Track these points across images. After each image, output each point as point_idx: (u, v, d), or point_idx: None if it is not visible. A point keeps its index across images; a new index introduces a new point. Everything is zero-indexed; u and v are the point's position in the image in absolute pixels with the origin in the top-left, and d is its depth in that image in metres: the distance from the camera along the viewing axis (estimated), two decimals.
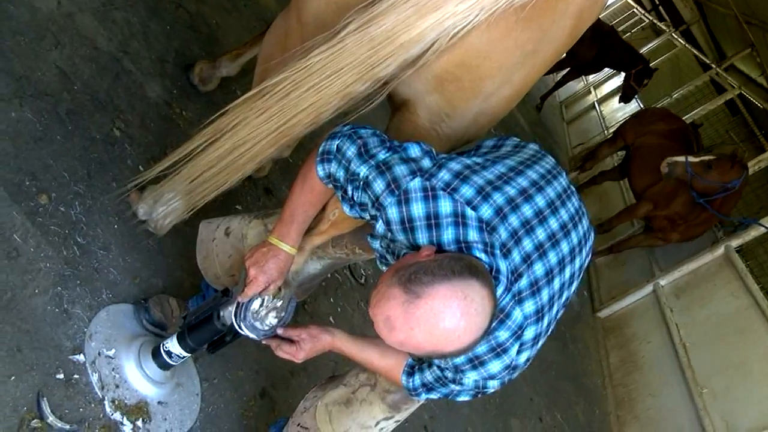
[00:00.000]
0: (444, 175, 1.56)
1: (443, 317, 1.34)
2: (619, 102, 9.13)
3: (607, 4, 14.05)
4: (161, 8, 3.41)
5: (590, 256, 1.82)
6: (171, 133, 2.94)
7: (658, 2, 13.00)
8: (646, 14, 12.08)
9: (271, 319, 1.96)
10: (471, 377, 1.64)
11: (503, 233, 1.53)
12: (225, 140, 2.00)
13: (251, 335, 1.93)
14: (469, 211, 1.52)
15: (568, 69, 9.31)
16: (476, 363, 1.59)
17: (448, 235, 1.51)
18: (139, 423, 2.13)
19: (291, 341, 1.94)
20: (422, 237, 1.53)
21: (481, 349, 1.55)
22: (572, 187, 1.77)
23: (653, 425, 5.12)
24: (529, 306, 1.57)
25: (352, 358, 1.98)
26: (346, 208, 1.71)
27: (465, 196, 1.53)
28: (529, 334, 1.60)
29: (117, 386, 2.13)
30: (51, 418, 1.91)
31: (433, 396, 1.81)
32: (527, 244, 1.57)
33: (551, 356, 5.14)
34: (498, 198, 1.55)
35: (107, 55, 2.88)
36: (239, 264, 1.94)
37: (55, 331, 2.06)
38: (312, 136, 2.02)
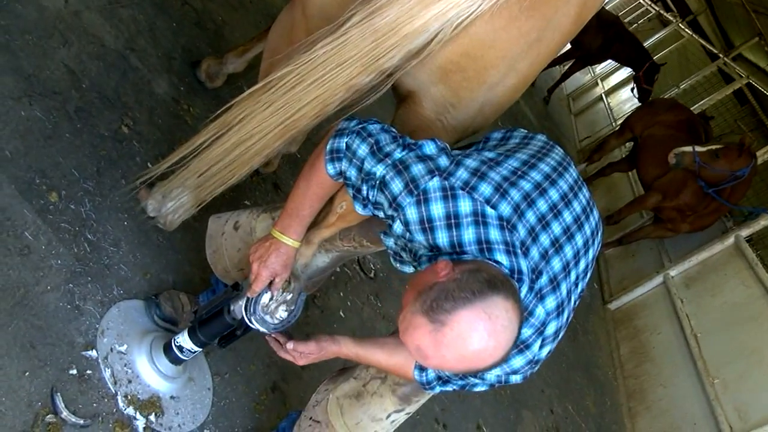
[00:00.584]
0: (462, 174, 1.55)
1: (471, 341, 1.35)
2: (639, 101, 9.07)
3: None
4: (167, 5, 3.42)
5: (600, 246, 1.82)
6: (179, 130, 2.95)
7: None
8: (653, 5, 12.00)
9: (281, 313, 1.97)
10: (494, 373, 1.65)
11: (522, 231, 1.53)
12: (231, 134, 2.00)
13: (262, 329, 1.93)
14: (489, 210, 1.51)
15: (574, 60, 9.27)
16: None
17: (468, 235, 1.50)
18: (152, 417, 2.15)
19: (303, 339, 1.94)
20: (442, 237, 1.52)
21: None
22: (581, 177, 1.77)
23: (665, 416, 5.11)
24: (551, 302, 1.58)
25: (360, 362, 1.99)
26: (358, 208, 1.70)
27: (484, 195, 1.52)
28: (550, 329, 1.60)
29: (129, 381, 2.15)
30: (65, 413, 1.92)
31: (448, 388, 1.81)
32: (544, 240, 1.57)
33: (562, 348, 5.13)
34: (515, 194, 1.55)
35: (114, 52, 2.90)
36: (248, 258, 1.95)
37: (67, 327, 2.08)
38: (319, 131, 2.02)
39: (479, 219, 1.51)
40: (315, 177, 1.78)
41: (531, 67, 1.86)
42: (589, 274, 1.74)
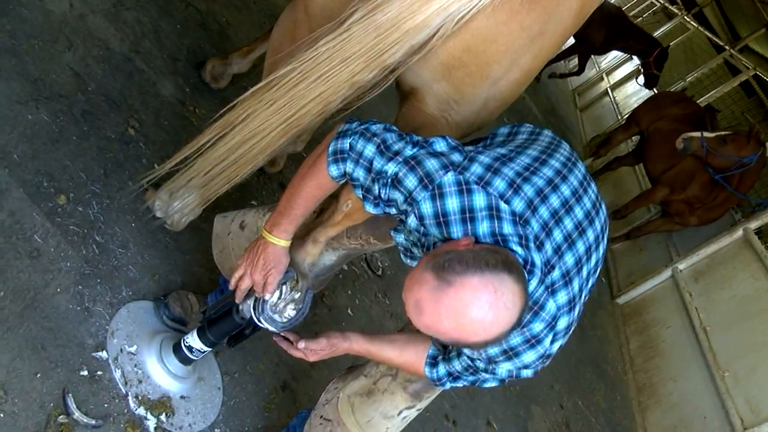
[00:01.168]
0: (476, 169, 1.56)
1: (471, 308, 1.35)
2: (646, 88, 9.02)
3: None
4: (172, 7, 3.43)
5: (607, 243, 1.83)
6: (185, 131, 2.97)
7: None
8: None
9: (290, 311, 1.97)
10: (505, 367, 1.65)
11: (535, 225, 1.53)
12: (235, 133, 2.01)
13: (270, 328, 1.94)
14: (503, 205, 1.52)
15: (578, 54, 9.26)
16: (510, 354, 1.59)
17: (483, 228, 1.51)
18: (163, 417, 2.16)
19: (313, 337, 1.94)
20: (457, 231, 1.52)
21: (516, 340, 1.56)
22: (588, 173, 1.77)
23: (675, 410, 5.10)
24: (562, 297, 1.58)
25: (371, 358, 1.99)
26: (369, 207, 1.70)
27: (498, 190, 1.53)
28: (562, 323, 1.60)
29: (140, 382, 2.16)
30: (77, 414, 1.94)
31: (459, 384, 1.82)
32: (557, 235, 1.58)
33: (571, 343, 5.10)
34: (528, 190, 1.55)
35: (120, 55, 2.91)
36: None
37: (77, 329, 2.09)
38: (325, 129, 2.03)
39: (494, 213, 1.51)
40: (314, 178, 1.77)
41: (534, 61, 1.86)
42: (599, 271, 1.74)
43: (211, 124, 2.07)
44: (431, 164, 1.56)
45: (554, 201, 1.59)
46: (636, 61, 10.39)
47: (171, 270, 2.53)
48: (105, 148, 2.56)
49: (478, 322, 1.36)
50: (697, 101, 7.79)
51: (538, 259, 1.51)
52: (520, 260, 1.48)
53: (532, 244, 1.51)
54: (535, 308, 1.54)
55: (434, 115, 1.92)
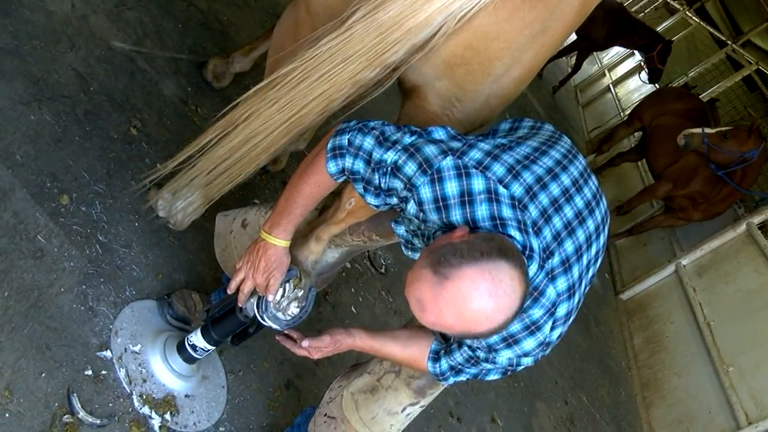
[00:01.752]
0: (475, 154, 1.56)
1: (472, 299, 1.35)
2: (650, 83, 8.99)
3: None
4: (173, 7, 3.44)
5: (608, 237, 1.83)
6: (187, 130, 2.97)
7: None
8: None
9: (293, 309, 1.98)
10: (505, 355, 1.65)
11: (533, 211, 1.54)
12: (238, 132, 2.01)
13: (274, 326, 1.94)
14: (501, 189, 1.52)
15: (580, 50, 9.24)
16: (510, 341, 1.59)
17: (482, 211, 1.51)
18: (168, 416, 2.17)
19: (317, 335, 1.94)
20: (456, 214, 1.53)
21: (515, 327, 1.56)
22: (588, 166, 1.78)
23: (680, 405, 5.10)
24: (562, 283, 1.58)
25: (375, 354, 2.00)
26: (370, 199, 1.70)
27: (497, 174, 1.53)
28: (561, 310, 1.60)
29: (144, 381, 2.16)
30: (82, 413, 1.94)
31: (462, 378, 1.82)
32: (557, 222, 1.58)
33: (575, 339, 5.14)
34: (527, 177, 1.56)
35: (122, 55, 2.92)
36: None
37: (81, 329, 2.10)
38: (327, 127, 2.03)
39: (492, 196, 1.52)
40: (313, 176, 1.77)
41: (536, 58, 1.86)
42: (599, 261, 1.75)
43: (214, 123, 2.07)
44: (430, 150, 1.57)
45: (554, 189, 1.60)
46: (638, 56, 10.37)
47: (174, 269, 2.53)
48: (108, 148, 2.56)
49: (480, 311, 1.36)
50: (700, 96, 7.77)
51: (536, 244, 1.52)
52: (518, 245, 1.49)
53: (530, 229, 1.52)
54: (535, 294, 1.54)
55: (437, 112, 1.92)
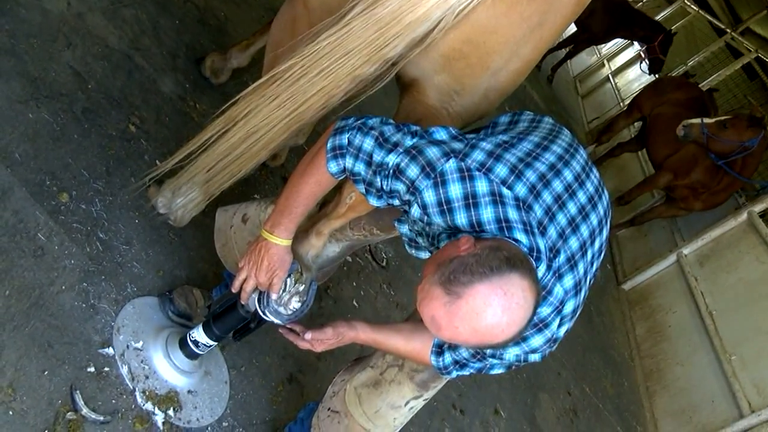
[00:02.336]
0: (478, 156, 1.56)
1: (485, 315, 1.35)
2: (650, 73, 8.96)
3: None
4: (170, 3, 3.43)
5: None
6: (186, 127, 2.97)
7: None
8: None
9: (294, 304, 1.98)
10: (512, 352, 1.65)
11: (538, 210, 1.53)
12: (238, 129, 2.01)
13: (275, 320, 1.94)
14: (505, 190, 1.52)
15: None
16: (518, 339, 1.58)
17: (487, 214, 1.51)
18: (171, 412, 2.17)
19: (319, 328, 1.94)
20: (461, 217, 1.53)
21: None
22: (590, 159, 1.78)
23: (683, 394, 5.11)
24: (568, 280, 1.58)
25: (377, 347, 2.00)
26: (373, 201, 1.70)
27: (500, 176, 1.53)
28: (568, 307, 1.61)
29: (147, 377, 2.17)
30: (85, 410, 1.95)
31: (465, 372, 1.82)
32: (561, 219, 1.58)
33: (577, 330, 5.13)
34: (530, 175, 1.55)
35: (119, 52, 2.91)
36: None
37: (83, 326, 2.10)
38: (326, 122, 2.03)
39: (497, 198, 1.51)
40: (313, 175, 1.76)
41: (534, 51, 1.86)
42: (603, 254, 1.75)
43: (214, 120, 2.07)
44: (432, 152, 1.56)
45: (557, 186, 1.59)
46: (637, 46, 10.35)
47: (175, 265, 2.54)
48: (106, 145, 2.56)
49: (494, 326, 1.37)
50: (699, 85, 7.76)
51: (542, 244, 1.52)
52: (525, 248, 1.48)
53: (536, 230, 1.51)
54: (543, 293, 1.54)
55: (435, 106, 1.91)
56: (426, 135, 1.62)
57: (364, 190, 1.70)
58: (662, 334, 5.74)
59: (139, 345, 2.21)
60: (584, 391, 4.78)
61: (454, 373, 1.84)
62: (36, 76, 2.47)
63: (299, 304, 1.99)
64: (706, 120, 5.39)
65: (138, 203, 2.49)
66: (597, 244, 1.69)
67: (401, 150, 1.59)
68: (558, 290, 1.57)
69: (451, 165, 1.54)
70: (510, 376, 4.00)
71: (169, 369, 2.21)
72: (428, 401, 2.15)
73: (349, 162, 1.67)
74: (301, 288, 2.00)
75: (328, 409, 2.18)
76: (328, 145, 1.69)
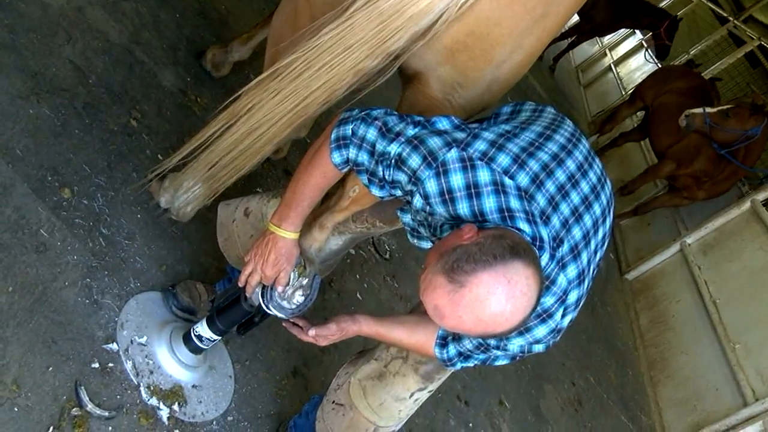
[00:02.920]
0: (480, 145, 1.55)
1: (489, 303, 1.34)
2: (658, 59, 8.90)
3: None
4: None
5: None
6: (188, 121, 2.96)
7: None
8: None
9: (298, 297, 1.97)
10: (516, 343, 1.65)
11: (541, 200, 1.52)
12: (241, 124, 2.00)
13: (279, 314, 1.94)
14: (507, 180, 1.51)
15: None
16: (522, 330, 1.59)
17: (490, 203, 1.50)
18: (176, 407, 2.17)
19: (323, 323, 1.94)
20: (463, 207, 1.52)
21: None
22: (592, 149, 1.77)
23: (687, 383, 5.11)
24: (572, 270, 1.58)
25: (381, 340, 1.99)
26: (375, 190, 1.70)
27: (502, 165, 1.52)
28: (572, 297, 1.60)
29: (151, 372, 2.17)
30: (90, 406, 1.95)
31: (470, 364, 1.81)
32: (564, 209, 1.57)
33: (581, 321, 5.13)
34: (533, 165, 1.54)
35: (119, 47, 2.90)
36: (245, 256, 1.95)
37: (87, 322, 2.10)
38: (328, 115, 2.02)
39: (499, 188, 1.51)
40: (318, 167, 1.76)
41: (537, 42, 1.84)
42: (606, 244, 1.74)
43: (216, 115, 2.06)
44: (434, 142, 1.55)
45: (560, 175, 1.58)
46: (639, 35, 10.31)
47: (178, 260, 2.53)
48: (108, 140, 2.56)
49: (498, 314, 1.36)
50: (702, 73, 7.73)
51: (545, 233, 1.51)
52: (528, 238, 1.47)
53: (538, 219, 1.51)
54: (546, 283, 1.53)
55: (438, 98, 1.90)
56: (428, 125, 1.61)
57: (366, 181, 1.70)
58: (666, 324, 5.74)
59: (143, 340, 2.21)
60: (588, 381, 4.78)
61: (459, 365, 1.84)
62: (36, 71, 2.47)
63: (303, 298, 1.98)
64: (709, 109, 5.36)
65: (140, 198, 2.48)
66: (600, 234, 1.69)
67: (403, 139, 1.58)
68: (561, 280, 1.56)
69: (453, 154, 1.53)
70: (514, 368, 4.00)
71: (173, 364, 2.21)
72: (433, 393, 2.14)
73: (352, 152, 1.67)
74: (305, 282, 1.99)
75: (333, 401, 2.18)
76: (332, 136, 1.69)
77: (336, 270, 2.81)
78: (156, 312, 2.32)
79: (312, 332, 1.90)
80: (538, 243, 1.49)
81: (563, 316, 1.61)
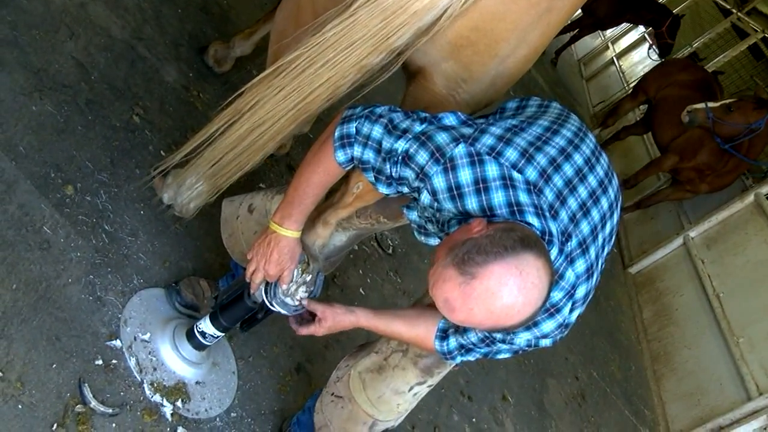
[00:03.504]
0: (487, 140, 1.54)
1: (500, 295, 1.34)
2: (660, 57, 8.88)
3: None
4: None
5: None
6: (190, 116, 2.96)
7: None
8: None
9: (301, 294, 1.97)
10: (524, 337, 1.64)
11: (549, 194, 1.52)
12: (244, 121, 1.99)
13: (282, 311, 1.94)
14: (516, 174, 1.50)
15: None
16: (530, 324, 1.57)
17: (498, 198, 1.49)
18: (179, 403, 2.17)
19: (313, 317, 1.94)
20: (472, 202, 1.51)
21: None
22: (598, 143, 1.76)
23: (691, 377, 5.10)
24: (580, 265, 1.57)
25: (380, 333, 1.99)
26: (382, 188, 1.69)
27: (510, 160, 1.51)
28: (580, 292, 1.60)
29: (155, 369, 2.17)
30: (93, 403, 1.95)
31: (470, 357, 1.81)
32: (572, 204, 1.57)
33: (584, 314, 5.07)
34: (541, 159, 1.54)
35: (122, 42, 2.90)
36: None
37: (90, 319, 2.10)
38: (331, 111, 2.02)
39: (507, 183, 1.50)
40: (321, 165, 1.75)
41: (542, 37, 1.84)
42: (614, 238, 1.74)
43: (220, 112, 2.06)
44: (441, 138, 1.55)
45: (568, 169, 1.58)
46: (641, 28, 10.27)
47: (181, 256, 2.53)
48: (111, 136, 2.56)
49: (510, 306, 1.35)
50: (705, 66, 7.70)
51: (554, 228, 1.51)
52: (537, 232, 1.47)
53: (547, 214, 1.50)
54: (555, 277, 1.52)
55: (442, 93, 1.90)
56: (435, 121, 1.60)
57: (373, 179, 1.69)
58: (669, 318, 5.73)
59: (146, 337, 2.21)
60: (592, 375, 4.78)
61: (459, 359, 1.83)
62: (39, 67, 2.46)
63: (306, 295, 1.98)
64: (711, 104, 5.34)
65: (143, 194, 2.48)
66: (608, 229, 1.69)
67: (410, 136, 1.57)
68: (570, 275, 1.56)
69: (460, 150, 1.52)
70: (517, 362, 4.00)
71: (176, 360, 2.21)
72: (435, 388, 2.14)
73: (357, 150, 1.66)
74: (308, 278, 1.99)
75: (332, 393, 2.18)
76: (336, 134, 1.68)
77: (339, 266, 2.80)
78: (159, 309, 2.32)
79: (305, 302, 1.93)
80: (547, 237, 1.49)
81: (571, 310, 1.61)
